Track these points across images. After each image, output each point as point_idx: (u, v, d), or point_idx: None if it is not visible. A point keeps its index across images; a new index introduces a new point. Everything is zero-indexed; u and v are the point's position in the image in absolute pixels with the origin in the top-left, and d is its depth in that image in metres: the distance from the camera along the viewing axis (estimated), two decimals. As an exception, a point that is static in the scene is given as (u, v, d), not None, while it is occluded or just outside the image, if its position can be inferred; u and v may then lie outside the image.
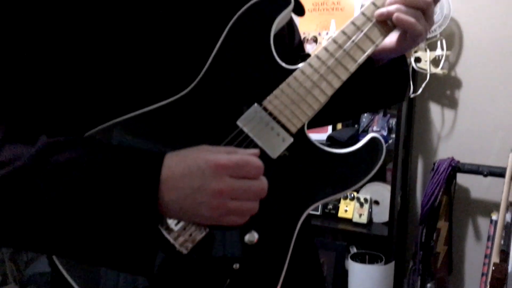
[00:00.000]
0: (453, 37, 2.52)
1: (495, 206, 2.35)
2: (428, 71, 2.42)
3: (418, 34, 0.76)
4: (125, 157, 0.63)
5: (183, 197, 0.60)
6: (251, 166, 0.63)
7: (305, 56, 0.98)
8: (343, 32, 0.75)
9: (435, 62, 2.46)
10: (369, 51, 0.75)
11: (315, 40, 2.60)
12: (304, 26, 2.74)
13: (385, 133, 2.56)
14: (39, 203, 0.59)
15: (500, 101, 2.48)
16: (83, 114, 0.69)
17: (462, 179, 2.51)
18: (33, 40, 0.64)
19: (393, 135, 2.52)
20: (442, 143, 2.64)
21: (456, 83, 2.57)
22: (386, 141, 2.50)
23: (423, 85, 2.46)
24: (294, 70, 0.74)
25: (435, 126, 2.64)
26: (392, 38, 0.81)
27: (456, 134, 2.60)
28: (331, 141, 2.54)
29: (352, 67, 0.74)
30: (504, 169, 2.20)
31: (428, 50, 2.43)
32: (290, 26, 0.92)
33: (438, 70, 2.43)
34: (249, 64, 0.74)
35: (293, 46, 0.95)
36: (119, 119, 0.68)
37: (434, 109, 2.63)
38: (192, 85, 0.71)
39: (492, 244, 2.15)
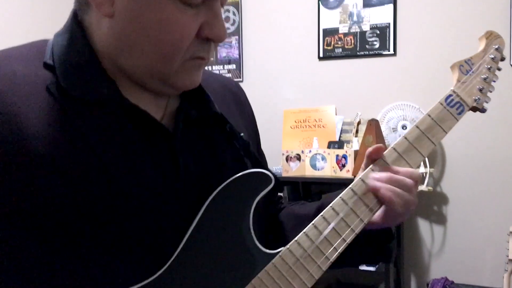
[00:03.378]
0: (436, 154, 2.62)
1: (495, 331, 2.29)
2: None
3: (399, 213, 0.76)
4: None
5: None
6: None
7: (279, 199, 0.99)
8: (324, 218, 0.75)
9: (420, 179, 2.52)
10: (348, 240, 0.75)
11: (298, 158, 2.66)
12: (287, 143, 2.83)
13: (374, 252, 2.55)
14: None
15: (488, 216, 2.53)
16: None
17: (458, 300, 2.46)
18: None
19: (383, 255, 2.50)
20: (434, 260, 2.63)
21: (442, 199, 2.62)
22: (376, 261, 2.47)
23: (410, 202, 2.50)
24: (274, 255, 0.73)
25: (426, 243, 2.65)
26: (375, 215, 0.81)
27: (448, 251, 2.60)
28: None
29: (333, 256, 0.74)
30: (500, 290, 2.18)
31: (420, 163, 2.49)
32: None
33: (423, 188, 2.49)
34: (226, 246, 0.71)
35: (273, 200, 0.96)
36: None
37: (423, 226, 2.66)
38: (166, 266, 0.68)
39: None
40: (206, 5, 0.69)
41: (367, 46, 2.76)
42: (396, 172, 0.76)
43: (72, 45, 0.71)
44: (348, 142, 2.69)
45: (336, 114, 2.80)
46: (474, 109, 0.82)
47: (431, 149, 0.81)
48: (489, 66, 0.81)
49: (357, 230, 0.75)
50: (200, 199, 0.72)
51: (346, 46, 2.80)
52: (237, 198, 0.73)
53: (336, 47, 2.82)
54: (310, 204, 0.93)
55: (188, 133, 0.76)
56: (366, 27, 2.75)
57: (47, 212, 0.64)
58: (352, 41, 2.78)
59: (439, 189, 2.63)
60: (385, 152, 0.79)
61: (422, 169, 2.49)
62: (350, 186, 0.77)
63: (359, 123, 2.70)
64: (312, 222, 0.75)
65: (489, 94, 0.82)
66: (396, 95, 2.66)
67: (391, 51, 2.70)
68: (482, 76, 0.81)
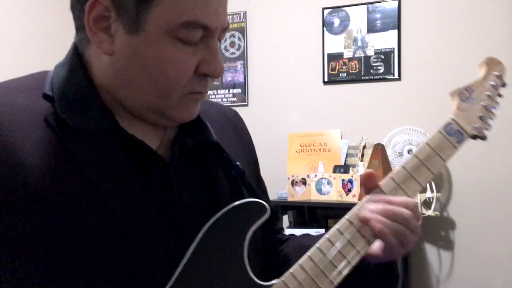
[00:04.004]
0: (442, 179, 2.61)
1: None
2: (420, 213, 2.46)
3: (392, 245, 0.75)
4: None
5: None
6: None
7: (280, 230, 0.99)
8: (319, 249, 0.74)
9: (427, 204, 2.51)
10: (345, 273, 0.73)
11: (304, 182, 2.66)
12: (293, 167, 2.83)
13: (381, 279, 2.52)
14: None
15: (497, 242, 2.49)
16: None
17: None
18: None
19: (390, 281, 2.47)
20: (442, 287, 2.59)
21: (449, 224, 2.60)
22: None
23: (417, 227, 2.48)
24: (268, 287, 0.72)
25: (433, 269, 2.62)
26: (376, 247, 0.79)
27: (456, 277, 2.57)
28: None
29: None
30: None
31: (418, 192, 2.49)
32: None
33: (430, 212, 2.47)
34: (221, 278, 0.71)
35: (273, 229, 0.96)
36: None
37: (430, 251, 2.63)
38: None
39: None
40: (203, 43, 0.70)
41: (371, 71, 2.77)
42: (391, 202, 0.75)
43: (72, 77, 0.72)
44: (353, 166, 2.69)
45: (341, 138, 2.80)
46: (474, 137, 0.81)
47: (429, 179, 0.80)
48: (489, 93, 0.80)
49: (354, 262, 0.74)
50: (195, 228, 0.72)
51: (350, 71, 2.82)
52: (232, 228, 0.73)
53: (341, 71, 2.84)
54: (316, 236, 0.91)
55: (184, 162, 0.77)
56: (370, 52, 2.77)
57: (42, 241, 0.64)
58: (357, 66, 2.80)
59: (446, 214, 2.61)
60: (382, 182, 0.78)
61: (428, 194, 2.48)
62: (346, 216, 0.76)
63: (364, 147, 2.71)
64: (307, 252, 0.74)
65: (495, 119, 0.82)
66: (401, 119, 2.67)
67: (396, 76, 2.71)
68: (482, 104, 0.80)
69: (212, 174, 0.80)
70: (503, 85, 0.82)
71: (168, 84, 0.70)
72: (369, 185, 0.78)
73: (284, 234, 0.99)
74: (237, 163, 0.83)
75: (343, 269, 0.73)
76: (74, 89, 0.71)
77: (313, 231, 2.72)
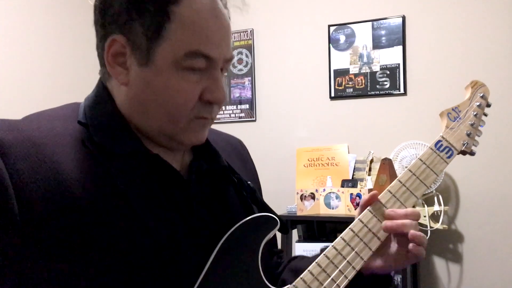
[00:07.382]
0: (449, 192, 2.70)
1: None
2: (428, 226, 2.55)
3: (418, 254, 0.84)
4: None
5: None
6: None
7: (278, 252, 1.08)
8: (326, 257, 0.85)
9: (434, 217, 2.59)
10: (350, 277, 0.83)
11: (312, 196, 2.76)
12: (301, 182, 2.93)
13: (390, 292, 2.60)
14: None
15: (506, 254, 2.56)
16: None
17: None
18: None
19: (400, 294, 2.55)
20: (452, 300, 2.66)
21: (458, 237, 2.67)
22: (392, 301, 2.52)
23: (425, 240, 2.57)
24: None
25: (442, 282, 2.69)
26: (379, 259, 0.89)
27: (465, 290, 2.64)
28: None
29: None
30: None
31: (425, 206, 2.58)
32: None
33: (438, 226, 2.56)
34: (239, 283, 0.80)
35: (273, 251, 1.06)
36: None
37: (439, 264, 2.70)
38: None
39: None
40: (207, 73, 0.81)
41: (377, 86, 2.88)
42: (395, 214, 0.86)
43: (102, 107, 0.84)
44: (361, 180, 2.78)
45: (348, 153, 2.91)
46: (463, 152, 0.91)
47: (424, 191, 0.88)
48: (475, 113, 0.91)
49: (358, 267, 0.84)
50: (213, 239, 0.82)
51: (357, 86, 2.93)
52: (247, 239, 0.83)
53: (347, 87, 2.95)
54: (310, 257, 1.00)
55: (200, 183, 0.88)
56: (376, 68, 2.88)
57: (82, 246, 0.73)
58: (363, 81, 2.92)
59: (454, 227, 2.69)
60: (380, 195, 0.88)
61: (436, 207, 2.58)
62: (350, 227, 0.87)
63: (372, 161, 2.80)
64: (316, 261, 0.83)
65: (483, 136, 0.92)
66: (408, 133, 2.76)
67: (402, 91, 2.82)
68: (469, 122, 0.90)
69: (225, 193, 0.91)
70: (488, 105, 0.93)
71: (176, 109, 0.80)
72: (369, 204, 0.88)
73: (282, 258, 1.08)
74: (248, 182, 0.94)
75: (348, 273, 0.84)
76: (104, 117, 0.83)
77: (322, 245, 2.81)
